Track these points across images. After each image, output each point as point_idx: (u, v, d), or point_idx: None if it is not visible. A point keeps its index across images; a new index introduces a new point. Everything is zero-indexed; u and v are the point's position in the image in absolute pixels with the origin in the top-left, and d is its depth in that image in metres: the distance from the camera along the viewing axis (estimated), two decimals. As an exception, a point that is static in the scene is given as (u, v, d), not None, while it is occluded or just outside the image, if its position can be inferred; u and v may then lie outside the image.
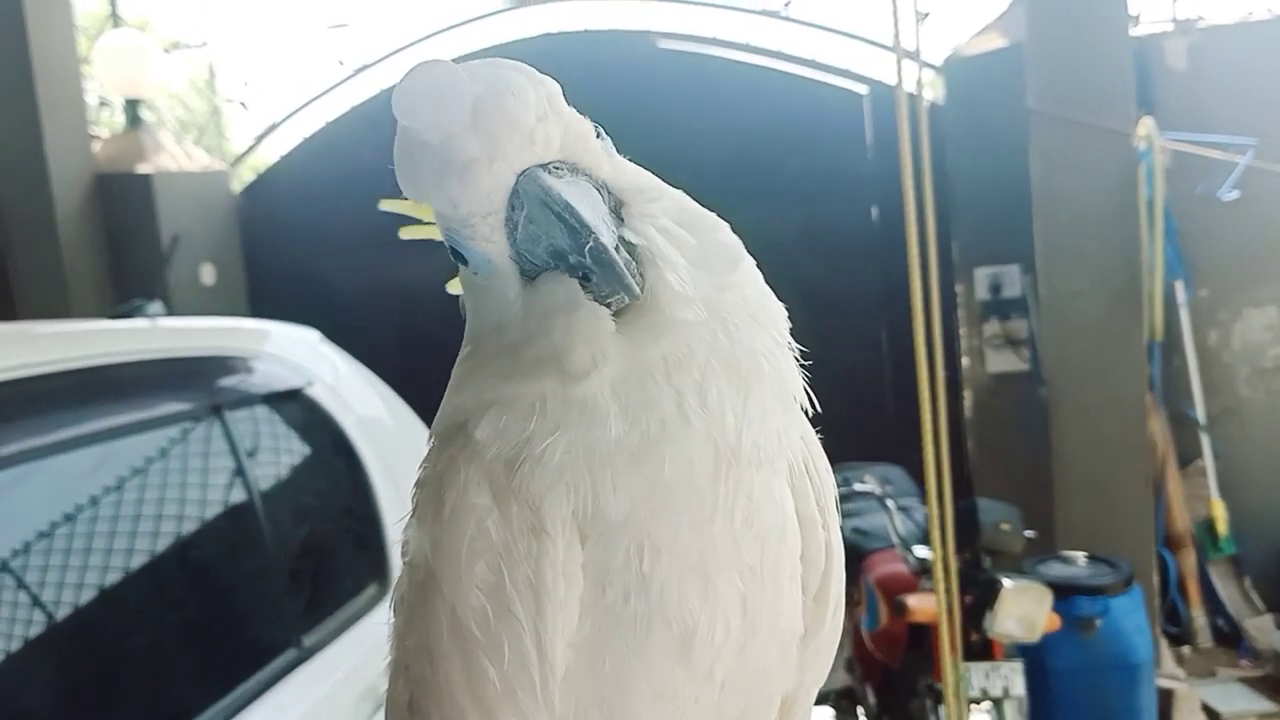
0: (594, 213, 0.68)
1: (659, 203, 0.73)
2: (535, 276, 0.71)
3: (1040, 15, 4.59)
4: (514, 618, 0.68)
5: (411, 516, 0.75)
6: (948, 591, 2.68)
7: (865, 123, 5.52)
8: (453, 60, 0.68)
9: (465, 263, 0.74)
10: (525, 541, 0.68)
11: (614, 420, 0.68)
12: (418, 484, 0.76)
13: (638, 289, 0.68)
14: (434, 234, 0.77)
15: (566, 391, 0.68)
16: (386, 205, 0.86)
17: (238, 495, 2.14)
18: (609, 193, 0.72)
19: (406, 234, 0.86)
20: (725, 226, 0.76)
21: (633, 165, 0.77)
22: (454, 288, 0.82)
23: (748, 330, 0.72)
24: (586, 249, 0.67)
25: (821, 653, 0.84)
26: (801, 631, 0.80)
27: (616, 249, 0.68)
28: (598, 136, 0.75)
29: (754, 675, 0.76)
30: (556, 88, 0.72)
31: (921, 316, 2.67)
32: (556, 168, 0.70)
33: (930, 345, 2.74)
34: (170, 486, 2.03)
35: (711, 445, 0.69)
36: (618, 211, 0.72)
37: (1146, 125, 4.54)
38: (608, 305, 0.68)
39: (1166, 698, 4.40)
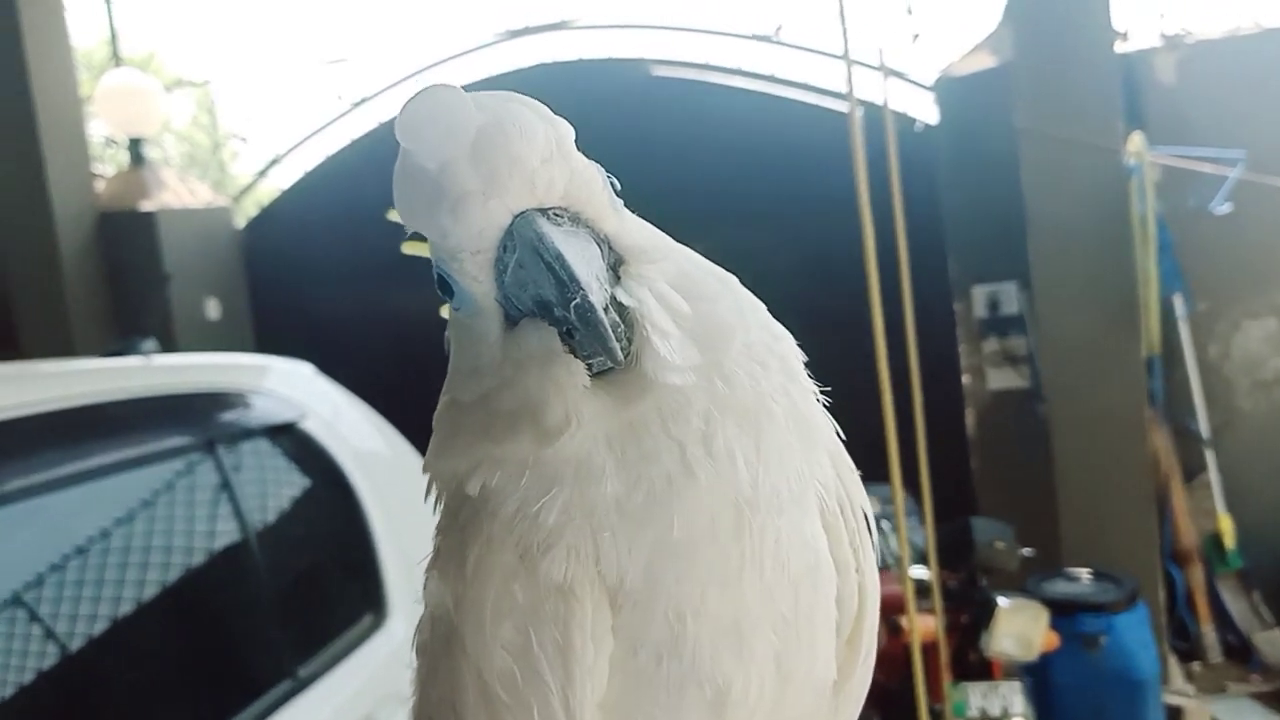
0: (588, 267, 0.65)
1: (659, 265, 0.70)
2: (519, 321, 0.68)
3: (1027, 35, 4.63)
4: (542, 681, 0.66)
5: (433, 563, 0.73)
6: (937, 611, 2.68)
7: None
8: (462, 88, 0.66)
9: (450, 295, 0.71)
10: (553, 603, 0.66)
11: (611, 478, 0.65)
12: (439, 530, 0.74)
13: (620, 354, 0.65)
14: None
15: (542, 453, 0.66)
16: (407, 249, 0.84)
17: (231, 529, 2.16)
18: (609, 248, 0.69)
19: (409, 249, 0.85)
20: (731, 291, 0.73)
21: (640, 222, 0.73)
22: (446, 312, 0.78)
23: (752, 375, 0.69)
24: (573, 304, 0.64)
25: (852, 698, 0.81)
26: (834, 678, 0.77)
27: (606, 309, 0.65)
28: (611, 188, 0.72)
29: None
30: (568, 130, 0.69)
31: (884, 338, 2.68)
32: (556, 214, 0.67)
33: (907, 365, 2.75)
34: (164, 521, 2.05)
35: (727, 497, 0.66)
36: (615, 269, 0.68)
37: (1136, 140, 4.57)
38: (589, 365, 0.65)
39: (1176, 715, 4.38)
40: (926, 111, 5.27)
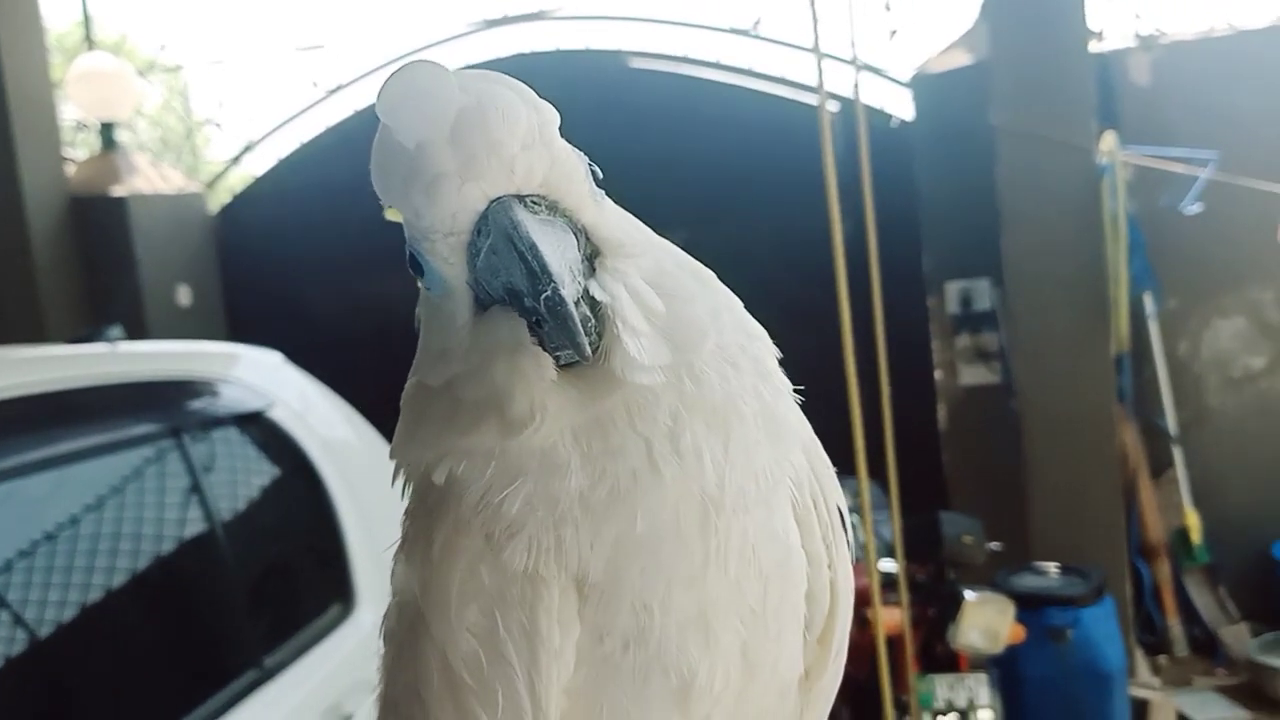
0: (561, 259, 0.64)
1: (636, 260, 0.69)
2: (489, 306, 0.67)
3: (1002, 33, 4.65)
4: (507, 664, 0.66)
5: (400, 547, 0.73)
6: (904, 603, 2.70)
7: (835, 138, 5.56)
8: (448, 67, 0.65)
9: (421, 274, 0.70)
10: (519, 586, 0.66)
11: (575, 473, 0.65)
12: (407, 514, 0.73)
13: (589, 349, 0.64)
14: None
15: (507, 444, 0.65)
16: (391, 215, 0.83)
17: (198, 517, 2.15)
18: (586, 239, 0.68)
19: (391, 215, 0.83)
20: (708, 289, 0.73)
21: (621, 214, 0.72)
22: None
23: (722, 375, 0.69)
24: (543, 296, 0.62)
25: (822, 696, 0.81)
26: (802, 673, 0.77)
27: (577, 303, 0.64)
28: (593, 178, 0.70)
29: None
30: (553, 116, 0.68)
31: (852, 333, 2.69)
32: (534, 202, 0.66)
33: (875, 358, 2.77)
34: (130, 509, 2.04)
35: (692, 494, 0.66)
36: (591, 261, 0.67)
37: (1109, 140, 4.60)
38: (556, 358, 0.64)
39: (1142, 707, 4.43)
40: (903, 108, 5.29)
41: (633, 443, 0.65)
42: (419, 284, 0.72)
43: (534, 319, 0.64)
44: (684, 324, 0.68)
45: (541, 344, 0.64)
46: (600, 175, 0.71)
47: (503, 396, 0.64)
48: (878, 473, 3.07)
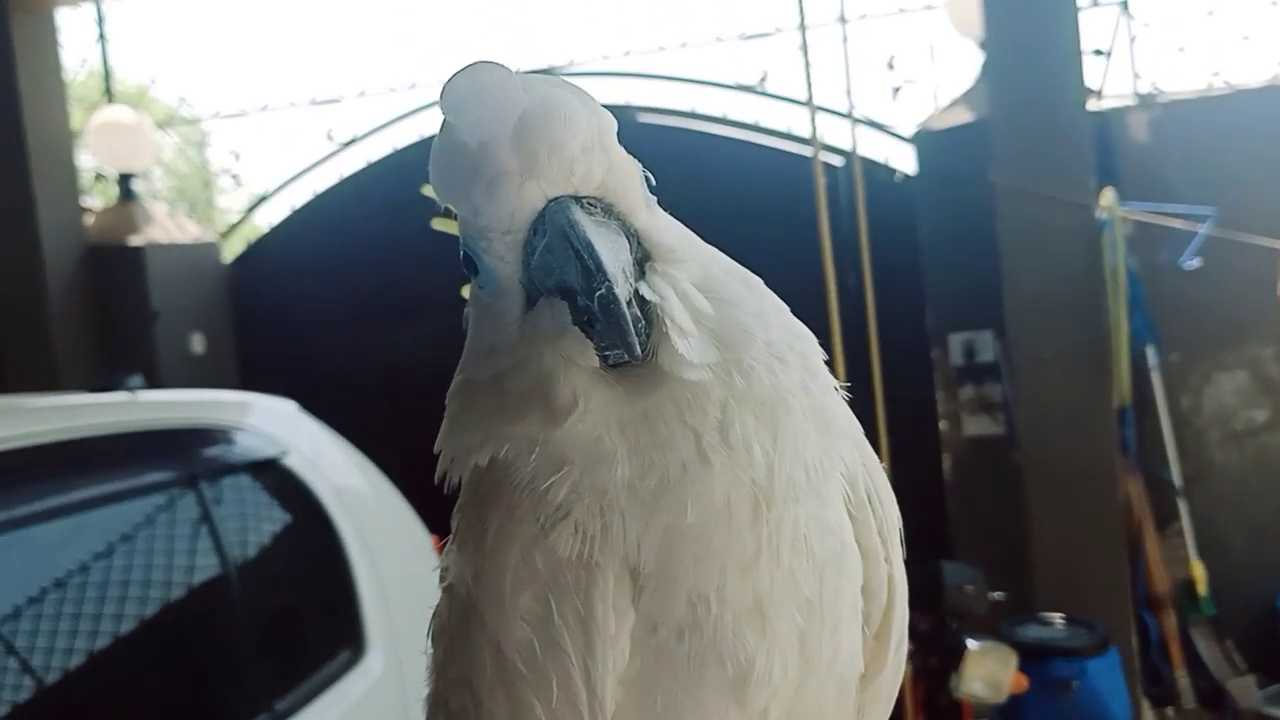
0: (615, 260, 0.65)
1: (686, 265, 0.70)
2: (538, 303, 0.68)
3: (1002, 91, 4.74)
4: (562, 652, 0.65)
5: (451, 542, 0.73)
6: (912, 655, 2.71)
7: (840, 193, 5.65)
8: (511, 68, 0.66)
9: (475, 274, 0.71)
10: (574, 572, 0.65)
11: (622, 463, 0.65)
12: (459, 508, 0.73)
13: (639, 349, 0.64)
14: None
15: (551, 434, 0.66)
16: (437, 225, 0.84)
17: (212, 563, 2.19)
18: (638, 243, 0.69)
19: (439, 225, 0.85)
20: (756, 295, 0.74)
21: (672, 221, 0.74)
22: (467, 292, 0.79)
23: (770, 370, 0.69)
24: (597, 294, 0.63)
25: (881, 694, 0.79)
26: (861, 670, 0.75)
27: (629, 303, 0.65)
28: (648, 185, 0.72)
29: (809, 717, 0.71)
30: (612, 123, 0.69)
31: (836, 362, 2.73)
32: (590, 204, 0.67)
33: (874, 411, 2.82)
34: (146, 555, 2.09)
35: (743, 484, 0.66)
36: (642, 265, 0.68)
37: (1108, 196, 4.67)
38: (605, 358, 0.65)
39: (1148, 760, 4.41)
40: (907, 162, 5.38)
41: (681, 435, 0.65)
42: (471, 283, 0.74)
43: (586, 318, 0.65)
44: (731, 325, 0.69)
45: (592, 343, 0.65)
46: (654, 183, 0.73)
47: (546, 385, 0.65)
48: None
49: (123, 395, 2.38)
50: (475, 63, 0.66)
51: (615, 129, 0.70)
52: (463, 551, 0.71)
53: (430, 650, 0.74)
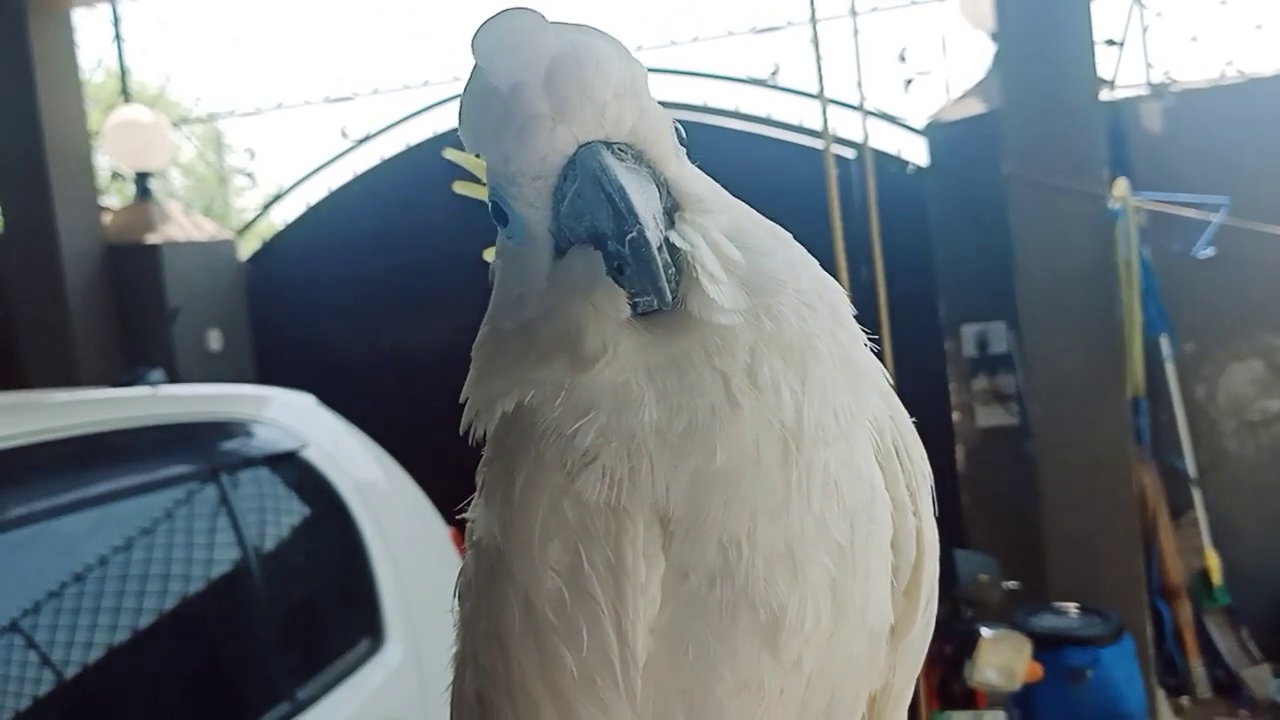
0: (646, 205, 0.64)
1: (715, 215, 0.69)
2: (567, 252, 0.67)
3: (1013, 82, 4.74)
4: (592, 601, 0.63)
5: (478, 497, 0.72)
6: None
7: (852, 185, 5.67)
8: (544, 14, 0.66)
9: (504, 224, 0.71)
10: (603, 520, 0.64)
11: (650, 407, 0.64)
12: (484, 463, 0.72)
13: (669, 294, 0.64)
14: (485, 194, 0.73)
15: (578, 379, 0.65)
16: (449, 154, 0.81)
17: (233, 554, 2.23)
18: (667, 192, 0.68)
19: (460, 189, 0.82)
20: (785, 246, 0.73)
21: (700, 173, 0.74)
22: (489, 255, 0.78)
23: (799, 315, 0.68)
24: (628, 238, 0.62)
25: (911, 652, 0.78)
26: (891, 623, 0.74)
27: (660, 249, 0.64)
28: (678, 136, 0.72)
29: (841, 667, 0.70)
30: (644, 71, 0.69)
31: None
32: (621, 150, 0.66)
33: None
34: (167, 547, 2.12)
35: (772, 427, 0.65)
36: (670, 214, 0.68)
37: (1121, 186, 4.67)
38: (634, 304, 0.65)
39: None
40: (919, 154, 5.38)
41: (710, 378, 0.64)
42: (499, 234, 0.73)
43: (616, 263, 0.64)
44: (761, 273, 0.68)
45: (622, 288, 0.64)
46: (684, 135, 0.73)
47: (574, 331, 0.65)
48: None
49: (144, 390, 2.42)
50: (507, 8, 0.65)
51: (647, 78, 0.69)
52: (490, 504, 0.69)
53: (457, 608, 0.73)
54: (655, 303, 0.64)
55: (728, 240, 0.68)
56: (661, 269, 0.63)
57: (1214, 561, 5.05)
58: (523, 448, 0.67)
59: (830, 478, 0.67)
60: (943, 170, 5.09)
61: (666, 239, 0.65)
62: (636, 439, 0.63)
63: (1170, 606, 5.07)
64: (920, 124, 5.31)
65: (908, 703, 0.80)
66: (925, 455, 0.77)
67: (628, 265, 0.63)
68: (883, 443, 0.72)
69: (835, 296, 0.73)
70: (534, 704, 0.65)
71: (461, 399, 0.73)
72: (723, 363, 0.65)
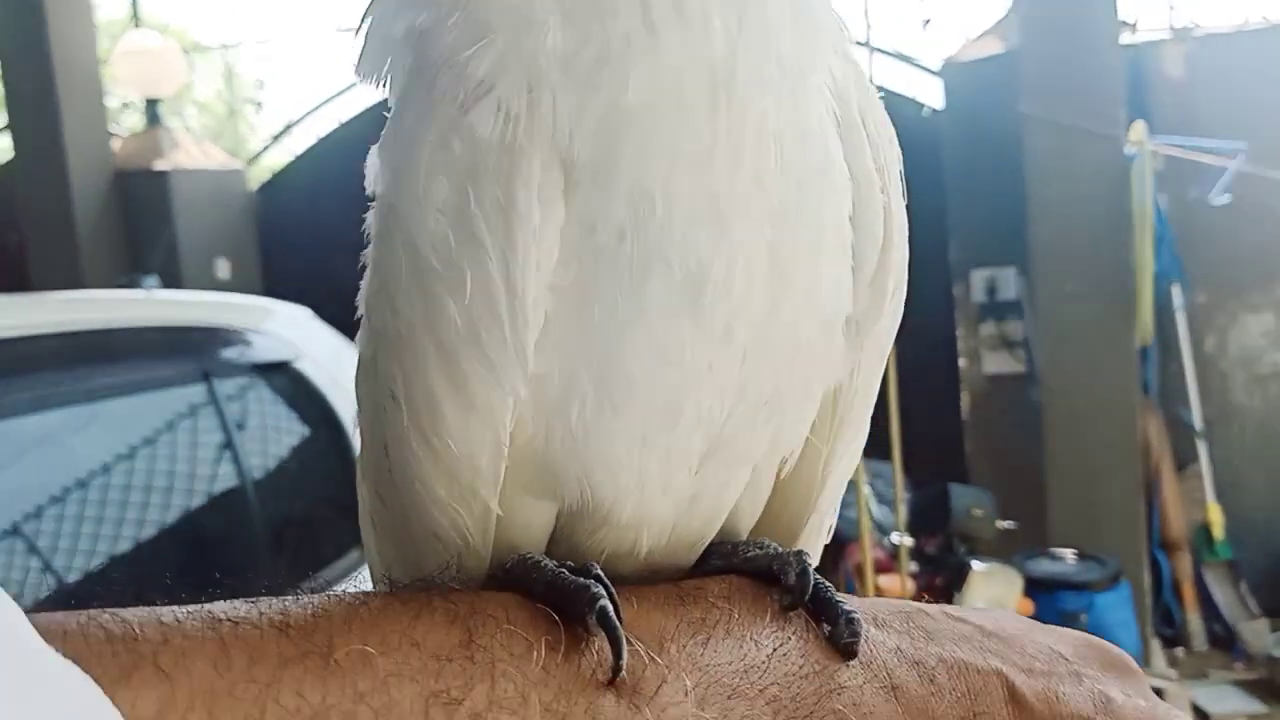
0: None
1: None
2: None
3: (1034, 22, 4.67)
4: (478, 244, 0.57)
5: (378, 148, 0.64)
6: (902, 570, 2.74)
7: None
8: None
9: None
10: (495, 156, 0.56)
11: (555, 30, 0.56)
12: (390, 113, 0.64)
13: None
14: None
15: None
16: None
17: (222, 458, 2.23)
18: None
19: None
20: None
21: None
22: None
23: None
24: None
25: (876, 348, 0.70)
26: (849, 312, 0.66)
27: None
28: None
29: (786, 349, 0.63)
30: None
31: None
32: None
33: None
34: (158, 445, 2.13)
35: (698, 65, 0.56)
36: None
37: (1138, 130, 4.60)
38: None
39: (1157, 696, 4.42)
40: (935, 97, 5.32)
41: (627, 3, 0.56)
42: None
43: None
44: None
45: None
46: None
47: None
48: (883, 450, 3.11)
49: (140, 292, 2.42)
50: None
51: None
52: (382, 153, 0.63)
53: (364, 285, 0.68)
54: None
55: None
56: None
57: (1216, 515, 5.04)
58: (417, 83, 0.60)
59: (767, 132, 0.59)
60: (958, 112, 5.03)
61: None
62: (538, 66, 0.56)
63: (1169, 558, 5.07)
64: (936, 66, 5.24)
65: (871, 405, 0.73)
66: (895, 138, 0.68)
67: None
68: (845, 112, 0.64)
69: None
70: (420, 360, 0.60)
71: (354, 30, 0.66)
72: None
